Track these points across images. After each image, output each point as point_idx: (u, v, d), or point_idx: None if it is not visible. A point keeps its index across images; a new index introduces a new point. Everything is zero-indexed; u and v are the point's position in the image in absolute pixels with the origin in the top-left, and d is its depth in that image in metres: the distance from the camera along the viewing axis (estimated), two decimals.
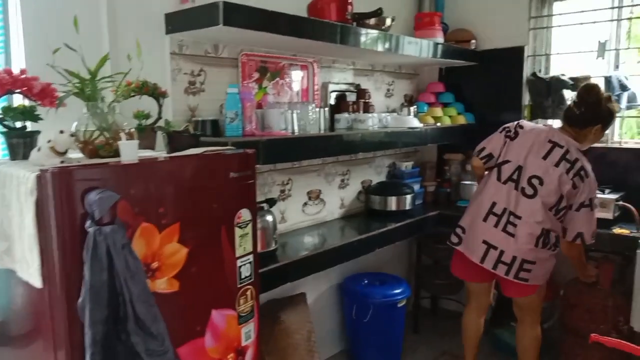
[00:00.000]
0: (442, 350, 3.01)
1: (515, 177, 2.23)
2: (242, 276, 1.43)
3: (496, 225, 2.25)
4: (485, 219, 2.28)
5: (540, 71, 3.11)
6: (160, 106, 1.71)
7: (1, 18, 1.62)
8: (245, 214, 1.43)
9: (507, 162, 2.27)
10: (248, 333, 1.46)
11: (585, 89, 2.24)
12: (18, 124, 1.43)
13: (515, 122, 2.36)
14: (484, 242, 2.27)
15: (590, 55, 2.90)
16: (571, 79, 2.93)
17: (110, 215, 1.08)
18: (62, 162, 1.21)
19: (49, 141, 1.24)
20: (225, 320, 1.38)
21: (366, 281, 2.82)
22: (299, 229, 2.61)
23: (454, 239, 2.40)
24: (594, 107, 2.19)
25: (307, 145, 2.15)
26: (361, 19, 2.35)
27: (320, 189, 2.74)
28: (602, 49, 2.83)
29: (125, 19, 1.87)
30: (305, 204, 2.67)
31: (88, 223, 1.05)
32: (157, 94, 1.69)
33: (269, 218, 2.08)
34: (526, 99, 3.09)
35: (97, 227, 1.04)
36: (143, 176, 1.22)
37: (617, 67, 2.87)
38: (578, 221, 2.16)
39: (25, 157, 1.38)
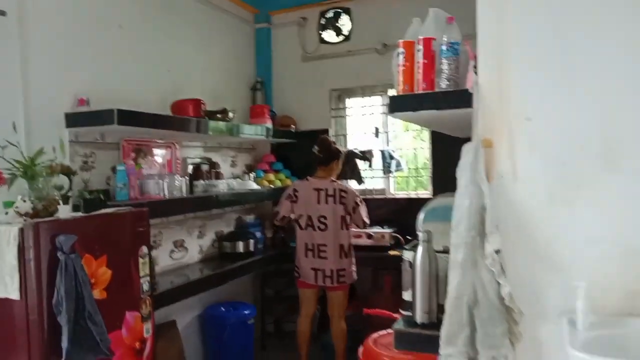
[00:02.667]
0: (283, 359, 3.89)
1: (310, 223, 3.38)
2: (144, 289, 2.18)
3: (314, 256, 3.37)
4: (306, 255, 3.40)
5: (341, 146, 4.36)
6: (71, 181, 2.39)
7: None
8: (144, 249, 2.21)
9: (300, 216, 3.42)
10: (147, 329, 2.19)
11: (321, 140, 3.53)
12: None
13: (292, 188, 3.52)
14: (312, 269, 3.38)
15: (371, 136, 4.24)
16: (360, 151, 4.21)
17: (71, 249, 1.79)
18: (24, 220, 1.88)
19: (16, 207, 1.90)
20: (134, 319, 2.11)
21: (223, 308, 3.62)
22: (169, 270, 3.34)
23: (296, 274, 3.50)
24: (328, 149, 3.47)
25: (177, 205, 2.97)
26: (212, 114, 3.29)
27: (183, 239, 3.52)
28: (377, 131, 4.18)
29: (37, 116, 2.52)
30: (172, 251, 3.42)
31: (59, 253, 1.75)
32: (69, 172, 2.37)
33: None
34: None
35: (67, 255, 1.74)
36: (82, 226, 1.95)
37: (387, 143, 4.24)
38: (358, 217, 3.38)
39: None
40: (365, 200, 3.69)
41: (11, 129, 2.16)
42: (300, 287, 3.50)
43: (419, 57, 1.85)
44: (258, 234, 4.06)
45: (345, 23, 4.21)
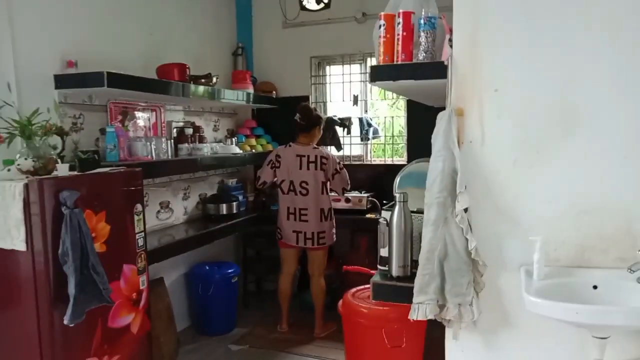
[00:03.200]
0: (264, 316, 4.10)
1: (291, 187, 3.54)
2: (139, 245, 2.32)
3: (295, 220, 3.54)
4: (288, 218, 3.57)
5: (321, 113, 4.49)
6: (64, 142, 2.47)
7: None
8: (138, 207, 2.33)
9: (282, 181, 3.57)
10: (143, 281, 2.34)
11: (303, 108, 3.66)
12: None
13: (275, 154, 3.65)
14: (294, 231, 3.55)
15: (349, 103, 4.38)
16: (340, 119, 4.35)
17: (74, 204, 1.91)
18: (27, 177, 1.98)
19: (18, 164, 1.99)
20: (130, 271, 2.25)
21: (207, 267, 3.78)
22: (155, 230, 3.47)
23: (278, 236, 3.67)
24: (309, 116, 3.62)
25: (163, 166, 3.08)
26: (196, 79, 3.37)
27: (169, 200, 3.64)
28: (355, 99, 4.33)
29: (27, 78, 2.57)
30: (159, 211, 3.54)
31: (63, 208, 1.87)
32: (62, 133, 2.45)
33: None
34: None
35: (71, 210, 1.86)
36: (82, 184, 2.06)
37: (366, 111, 4.40)
38: (337, 183, 3.58)
39: None
40: (344, 166, 3.85)
41: (6, 90, 2.22)
42: (282, 247, 3.69)
43: (399, 30, 1.99)
44: (240, 197, 4.21)
45: None
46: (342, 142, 4.26)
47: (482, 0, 1.83)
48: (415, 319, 1.89)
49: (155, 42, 3.48)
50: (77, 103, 2.87)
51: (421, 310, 1.89)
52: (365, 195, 4.04)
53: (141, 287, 2.34)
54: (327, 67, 4.52)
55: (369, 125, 4.26)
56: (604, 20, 1.72)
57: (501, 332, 1.92)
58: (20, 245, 1.88)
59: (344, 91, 4.43)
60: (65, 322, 1.86)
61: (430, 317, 1.87)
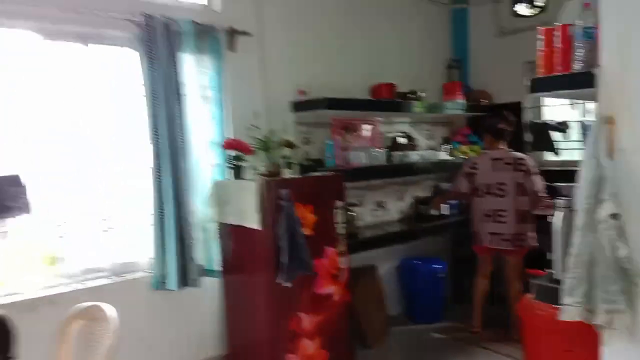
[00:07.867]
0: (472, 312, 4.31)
1: (488, 190, 3.68)
2: (338, 232, 2.98)
3: (492, 221, 3.69)
4: (484, 221, 3.74)
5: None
6: (293, 152, 3.30)
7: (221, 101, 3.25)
8: (339, 203, 2.99)
9: (480, 184, 3.72)
10: (342, 261, 3.00)
11: (510, 116, 3.72)
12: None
13: (470, 163, 3.85)
14: (489, 233, 3.71)
15: (567, 107, 4.21)
16: (557, 122, 4.21)
17: (288, 198, 2.67)
18: (262, 179, 2.83)
19: (258, 170, 2.87)
20: (331, 252, 2.93)
21: (415, 262, 4.23)
22: (370, 225, 4.11)
23: (474, 240, 3.87)
24: (515, 125, 3.71)
25: (372, 171, 3.69)
26: (403, 95, 3.88)
27: (384, 200, 4.25)
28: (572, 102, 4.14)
29: (272, 105, 3.51)
30: (374, 210, 4.18)
31: (282, 201, 2.65)
32: (290, 145, 3.27)
33: (353, 213, 3.61)
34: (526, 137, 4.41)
35: (286, 203, 2.63)
36: (299, 184, 2.82)
37: (585, 114, 4.15)
38: (532, 183, 3.55)
39: (239, 177, 3.02)
40: (566, 171, 3.75)
41: (252, 117, 3.16)
42: (477, 251, 3.88)
43: (557, 43, 2.12)
44: (452, 200, 4.50)
45: None
46: (556, 147, 4.14)
47: (629, 8, 1.84)
48: (563, 320, 1.99)
49: (371, 66, 4.12)
50: (308, 122, 3.71)
51: (570, 312, 1.99)
52: None
53: (341, 266, 2.99)
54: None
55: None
56: None
57: None
58: (258, 225, 2.73)
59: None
60: (278, 281, 2.63)
61: (578, 319, 1.95)
